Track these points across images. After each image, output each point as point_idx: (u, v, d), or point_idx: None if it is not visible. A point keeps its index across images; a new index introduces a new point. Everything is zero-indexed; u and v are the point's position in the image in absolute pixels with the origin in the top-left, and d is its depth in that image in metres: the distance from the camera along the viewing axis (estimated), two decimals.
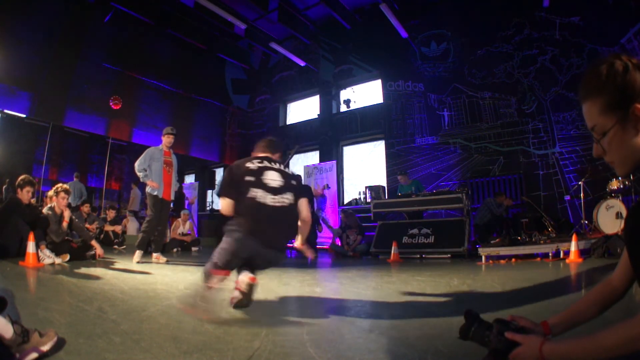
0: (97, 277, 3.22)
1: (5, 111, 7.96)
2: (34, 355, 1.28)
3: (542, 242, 4.89)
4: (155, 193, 4.89)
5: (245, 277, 2.12)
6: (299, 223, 2.41)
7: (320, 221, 8.27)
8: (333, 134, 9.97)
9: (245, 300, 2.09)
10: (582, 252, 4.21)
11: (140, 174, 4.91)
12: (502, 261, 4.56)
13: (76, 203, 8.08)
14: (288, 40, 10.39)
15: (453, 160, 8.12)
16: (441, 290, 2.73)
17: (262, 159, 2.40)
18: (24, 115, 7.93)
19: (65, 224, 4.48)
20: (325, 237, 8.24)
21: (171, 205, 5.51)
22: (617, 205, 4.87)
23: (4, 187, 8.33)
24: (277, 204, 2.23)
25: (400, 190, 7.19)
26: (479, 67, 8.01)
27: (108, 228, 7.30)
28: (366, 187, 8.39)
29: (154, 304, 2.21)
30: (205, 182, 11.57)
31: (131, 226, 8.20)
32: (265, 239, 2.16)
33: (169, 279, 3.27)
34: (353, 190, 9.47)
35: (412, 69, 8.89)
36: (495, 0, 7.84)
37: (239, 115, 11.92)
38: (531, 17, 7.47)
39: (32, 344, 1.29)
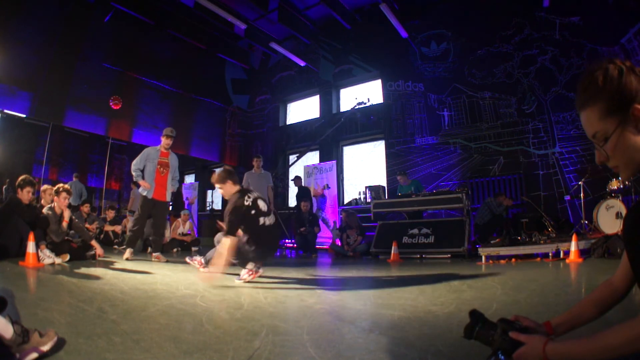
0: (97, 277, 3.22)
1: (5, 111, 7.97)
2: (34, 355, 1.28)
3: (542, 242, 4.88)
4: (145, 193, 4.93)
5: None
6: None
7: (320, 221, 8.27)
8: (333, 134, 9.96)
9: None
10: (582, 252, 4.21)
11: (134, 174, 4.97)
12: (502, 261, 4.56)
13: (76, 203, 8.08)
14: (288, 40, 10.39)
15: (453, 160, 8.12)
16: (441, 290, 2.73)
17: (245, 192, 3.29)
18: (24, 115, 7.94)
19: (65, 224, 4.49)
20: (325, 237, 8.24)
21: (168, 206, 5.52)
22: (617, 205, 4.87)
23: (4, 187, 8.34)
24: (273, 221, 3.33)
25: (400, 191, 7.19)
26: (479, 67, 8.01)
27: (108, 228, 7.31)
28: (366, 187, 8.39)
29: (154, 304, 2.21)
30: (205, 182, 11.57)
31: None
32: (275, 246, 3.63)
33: (169, 279, 3.27)
34: (353, 190, 9.47)
35: (412, 69, 8.90)
36: (495, 0, 7.84)
37: (239, 115, 11.93)
38: (531, 17, 7.47)
39: (32, 344, 1.29)
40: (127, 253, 4.89)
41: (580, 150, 6.79)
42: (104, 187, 11.14)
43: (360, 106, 8.27)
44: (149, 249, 5.69)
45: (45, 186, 5.30)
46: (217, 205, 11.98)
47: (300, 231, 6.97)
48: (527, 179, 7.18)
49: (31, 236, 3.82)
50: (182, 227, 7.57)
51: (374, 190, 7.28)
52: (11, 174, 8.31)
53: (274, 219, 3.37)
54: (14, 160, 9.55)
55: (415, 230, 6.05)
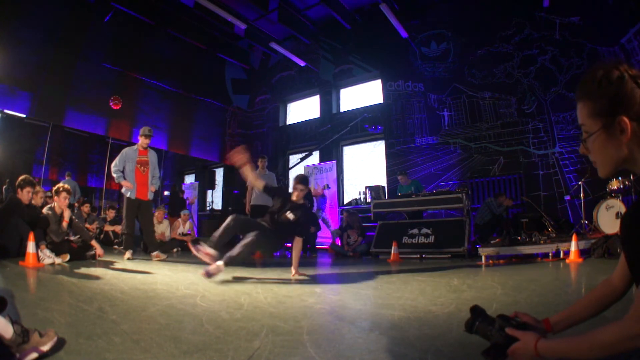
0: (97, 277, 3.23)
1: (5, 111, 7.97)
2: (34, 355, 1.28)
3: (542, 242, 4.88)
4: (128, 194, 4.96)
5: None
6: None
7: (320, 221, 8.27)
8: (333, 134, 9.97)
9: None
10: (582, 252, 4.21)
11: (115, 175, 4.99)
12: (502, 261, 4.57)
13: (71, 202, 8.08)
14: (288, 40, 10.39)
15: (453, 160, 8.12)
16: (441, 290, 2.73)
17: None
18: (24, 115, 7.94)
19: (65, 224, 4.49)
20: (325, 237, 8.24)
21: (152, 205, 5.56)
22: (617, 205, 4.87)
23: (4, 187, 8.34)
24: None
25: (400, 191, 7.19)
26: (479, 67, 8.01)
27: (108, 228, 7.30)
28: (366, 187, 8.38)
29: (154, 304, 2.21)
30: (205, 182, 11.57)
31: None
32: None
33: (169, 279, 3.27)
34: (353, 190, 9.47)
35: (412, 69, 8.89)
36: (495, 0, 7.84)
37: (239, 115, 11.93)
38: (531, 17, 7.47)
39: (32, 344, 1.29)
40: (127, 254, 4.95)
41: None
42: (104, 187, 11.13)
43: (368, 123, 8.14)
44: (149, 249, 5.69)
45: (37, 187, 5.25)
46: (217, 206, 11.98)
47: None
48: (527, 179, 7.18)
49: (31, 236, 3.82)
50: (182, 227, 7.57)
51: (374, 190, 7.28)
52: (11, 174, 8.30)
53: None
54: (14, 160, 9.54)
55: (415, 230, 6.05)
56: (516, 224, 6.29)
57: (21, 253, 3.96)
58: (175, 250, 6.97)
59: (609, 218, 4.91)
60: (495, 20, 7.83)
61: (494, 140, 7.72)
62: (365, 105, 9.70)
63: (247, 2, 8.40)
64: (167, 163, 12.72)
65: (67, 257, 4.26)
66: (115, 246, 7.05)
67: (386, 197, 7.61)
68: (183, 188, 12.34)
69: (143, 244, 6.38)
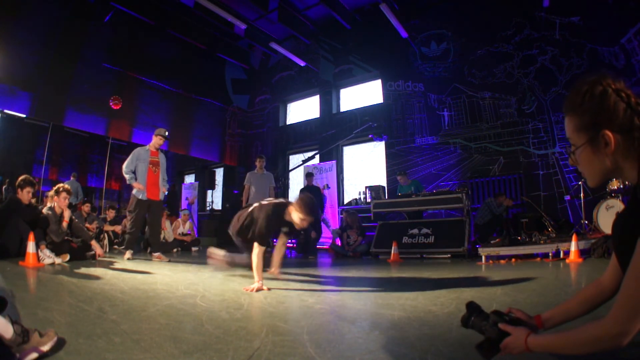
0: (97, 277, 3.23)
1: (5, 111, 7.96)
2: (34, 355, 1.28)
3: (542, 242, 4.89)
4: (140, 196, 4.92)
5: None
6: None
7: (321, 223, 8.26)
8: (333, 133, 9.97)
9: None
10: (582, 252, 4.21)
11: (127, 176, 4.93)
12: (502, 261, 4.56)
13: (74, 202, 8.08)
14: (288, 40, 10.39)
15: (453, 160, 8.12)
16: (441, 290, 2.73)
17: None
18: (24, 115, 7.93)
19: (65, 224, 4.49)
20: (325, 237, 8.24)
21: (163, 205, 5.52)
22: (617, 205, 4.88)
23: (3, 187, 8.34)
24: None
25: (399, 191, 7.19)
26: (479, 67, 8.01)
27: (108, 228, 7.30)
28: (366, 187, 8.38)
29: (154, 304, 2.21)
30: (205, 182, 11.57)
31: None
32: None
33: (169, 279, 3.27)
34: (353, 190, 9.47)
35: (412, 69, 8.89)
36: (495, 0, 7.84)
37: (239, 115, 11.93)
38: (531, 17, 7.47)
39: (32, 344, 1.29)
40: (128, 254, 4.93)
41: None
42: (104, 187, 11.13)
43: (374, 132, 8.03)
44: (149, 249, 5.70)
45: (50, 192, 5.24)
46: (217, 206, 11.98)
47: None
48: (527, 179, 7.18)
49: (31, 236, 3.82)
50: (182, 227, 7.58)
51: (374, 190, 7.28)
52: (11, 174, 8.31)
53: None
54: (14, 160, 9.54)
55: (415, 230, 6.05)
56: (516, 224, 6.29)
57: (21, 253, 3.96)
58: (175, 250, 6.98)
59: (609, 218, 4.92)
60: (495, 20, 7.83)
61: (494, 140, 7.72)
62: (365, 105, 9.70)
63: (247, 2, 8.40)
64: (167, 163, 12.59)
65: (67, 257, 4.26)
66: (116, 246, 7.06)
67: (386, 197, 7.61)
68: (183, 188, 12.35)
69: (143, 243, 6.38)
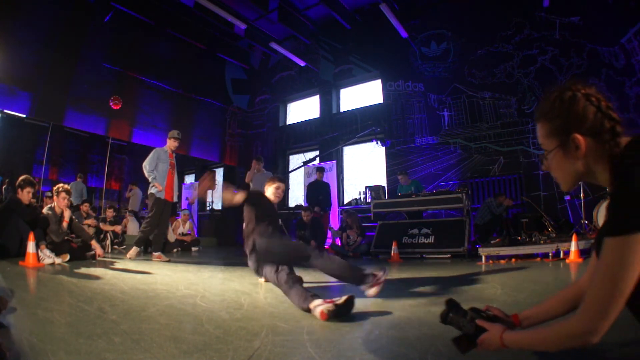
0: (97, 277, 3.23)
1: (5, 111, 7.96)
2: None
3: (542, 242, 4.89)
4: (158, 195, 4.96)
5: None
6: None
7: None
8: (333, 133, 9.97)
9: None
10: (582, 252, 4.21)
11: (149, 176, 4.97)
12: (502, 261, 4.56)
13: (77, 203, 8.09)
14: (288, 40, 10.39)
15: (453, 160, 8.12)
16: (441, 290, 2.73)
17: None
18: (24, 115, 7.93)
19: (65, 224, 4.49)
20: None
21: (171, 207, 5.55)
22: None
23: (3, 187, 8.34)
24: None
25: (400, 190, 7.19)
26: (479, 67, 8.01)
27: (107, 228, 7.28)
28: (366, 187, 8.38)
29: (154, 304, 2.21)
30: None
31: (131, 226, 8.20)
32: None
33: (169, 279, 3.27)
34: (353, 190, 9.47)
35: (412, 69, 8.90)
36: (495, 0, 7.84)
37: (239, 115, 11.93)
38: (531, 17, 7.47)
39: None
40: (133, 252, 4.91)
41: None
42: (104, 187, 11.13)
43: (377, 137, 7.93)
44: (149, 249, 5.70)
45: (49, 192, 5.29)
46: (217, 205, 11.98)
47: (301, 234, 6.83)
48: (527, 179, 7.18)
49: (31, 236, 3.82)
50: (182, 227, 7.58)
51: (374, 190, 7.28)
52: (11, 174, 8.30)
53: None
54: (14, 160, 9.54)
55: (415, 230, 6.06)
56: (516, 224, 6.29)
57: (21, 253, 3.96)
58: (175, 250, 6.97)
59: None
60: (495, 20, 7.83)
61: (494, 140, 7.72)
62: (365, 105, 9.70)
63: (247, 2, 8.40)
64: None
65: (67, 257, 4.26)
66: (116, 246, 7.06)
67: (386, 197, 7.61)
68: (183, 188, 12.33)
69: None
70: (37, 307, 2.02)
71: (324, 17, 9.77)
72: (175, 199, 5.31)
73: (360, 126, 9.55)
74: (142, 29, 9.16)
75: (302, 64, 10.35)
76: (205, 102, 11.14)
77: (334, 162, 9.41)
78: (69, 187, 4.72)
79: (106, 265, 4.20)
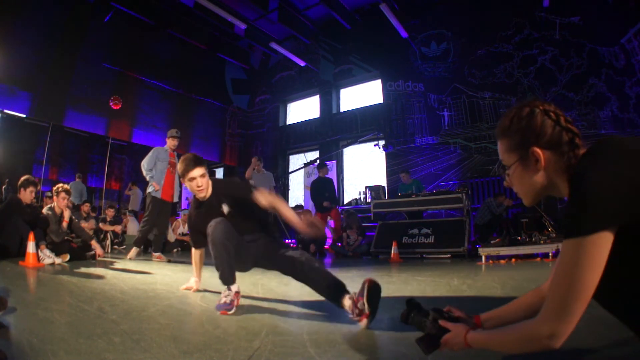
0: (97, 277, 3.23)
1: (5, 111, 7.96)
2: None
3: (542, 242, 4.88)
4: (155, 194, 4.93)
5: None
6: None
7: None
8: (333, 134, 9.97)
9: None
10: None
11: (148, 174, 4.93)
12: (502, 261, 4.56)
13: (77, 203, 8.09)
14: (288, 40, 10.39)
15: (453, 160, 8.12)
16: (441, 290, 2.73)
17: None
18: (24, 115, 7.94)
19: (65, 224, 4.49)
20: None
21: (171, 207, 5.52)
22: None
23: (3, 187, 8.34)
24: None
25: (401, 189, 7.19)
26: (479, 67, 8.01)
27: (107, 228, 7.28)
28: (366, 187, 8.38)
29: (154, 304, 2.20)
30: None
31: (131, 226, 8.19)
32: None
33: (169, 279, 3.27)
34: (353, 190, 9.47)
35: (412, 69, 8.90)
36: (495, 0, 7.85)
37: (239, 115, 11.93)
38: (531, 17, 7.47)
39: None
40: (133, 252, 4.90)
41: None
42: (104, 187, 11.13)
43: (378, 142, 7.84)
44: (149, 249, 5.70)
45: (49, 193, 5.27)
46: None
47: (300, 237, 6.77)
48: None
49: (31, 236, 3.82)
50: (182, 227, 7.57)
51: (374, 190, 7.27)
52: (11, 174, 8.30)
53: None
54: (14, 160, 9.54)
55: (415, 230, 6.05)
56: (516, 224, 6.28)
57: (21, 253, 3.96)
58: (175, 250, 6.97)
59: None
60: (495, 20, 7.84)
61: (494, 140, 7.69)
62: (365, 105, 9.70)
63: (247, 2, 8.41)
64: None
65: (67, 257, 4.26)
66: (115, 246, 7.06)
67: (386, 197, 7.61)
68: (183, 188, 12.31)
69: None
70: (37, 307, 2.02)
71: (324, 17, 9.78)
72: (175, 199, 5.23)
73: (360, 126, 9.56)
74: (142, 29, 9.16)
75: (302, 64, 10.35)
76: (205, 102, 11.14)
77: (334, 162, 9.42)
78: (68, 187, 4.71)
79: (106, 265, 4.20)
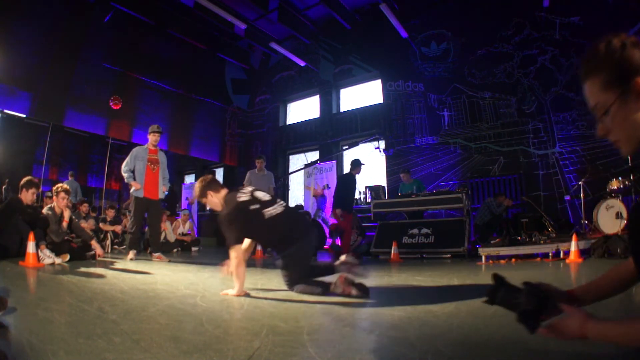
0: (97, 277, 3.23)
1: (5, 111, 7.96)
2: None
3: (542, 242, 4.89)
4: (137, 194, 4.92)
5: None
6: None
7: (320, 221, 8.27)
8: (333, 134, 9.98)
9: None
10: (582, 252, 4.21)
11: (125, 175, 4.93)
12: (502, 261, 4.56)
13: (73, 202, 8.09)
14: (288, 40, 10.39)
15: (453, 160, 8.12)
16: (441, 290, 2.73)
17: (235, 190, 2.78)
18: (24, 115, 7.94)
19: (65, 224, 4.49)
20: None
21: (161, 204, 5.50)
22: (617, 205, 4.87)
23: (3, 187, 8.34)
24: (282, 209, 2.69)
25: (401, 189, 7.20)
26: (479, 67, 8.01)
27: (107, 228, 7.29)
28: (366, 187, 8.39)
29: (154, 304, 2.21)
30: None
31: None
32: (307, 232, 2.77)
33: (169, 279, 3.27)
34: None
35: (412, 69, 8.89)
36: (495, 0, 7.84)
37: (239, 115, 11.93)
38: (531, 17, 7.47)
39: None
40: (131, 254, 4.93)
41: (580, 150, 6.78)
42: (104, 187, 11.13)
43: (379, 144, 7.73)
44: (149, 249, 5.70)
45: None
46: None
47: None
48: (527, 179, 7.18)
49: (31, 236, 3.82)
50: (182, 227, 7.58)
51: (374, 190, 7.28)
52: (11, 174, 8.31)
53: (283, 205, 2.72)
54: (14, 160, 9.55)
55: (415, 230, 6.05)
56: (516, 224, 6.28)
57: (21, 253, 3.97)
58: (175, 250, 6.98)
59: (609, 218, 4.90)
60: (495, 20, 7.83)
61: (494, 140, 7.72)
62: (365, 105, 9.70)
63: (247, 2, 8.41)
64: (167, 163, 12.67)
65: (67, 257, 4.26)
66: (116, 246, 7.06)
67: (386, 197, 7.61)
68: (183, 188, 12.33)
69: (143, 244, 6.38)
70: (37, 307, 2.02)
71: (324, 17, 9.77)
72: (160, 196, 5.13)
73: (360, 126, 9.56)
74: (142, 29, 9.16)
75: (302, 64, 10.35)
76: (205, 102, 11.14)
77: (334, 162, 9.41)
78: (68, 187, 4.72)
79: (106, 265, 4.20)
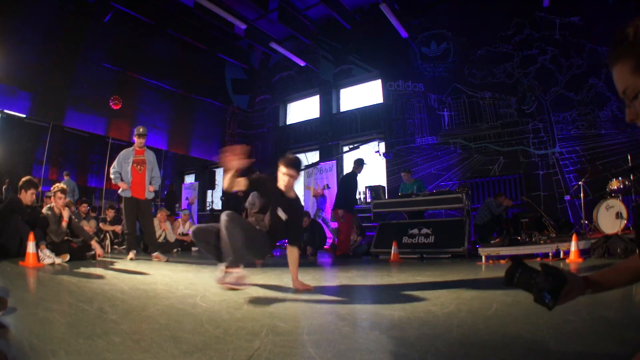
0: (97, 277, 3.23)
1: (5, 111, 7.96)
2: None
3: (542, 242, 4.88)
4: (124, 194, 5.01)
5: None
6: None
7: (320, 221, 8.26)
8: (333, 134, 9.98)
9: None
10: (582, 252, 4.21)
11: (112, 177, 5.07)
12: (502, 261, 4.56)
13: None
14: (288, 40, 10.39)
15: (453, 160, 8.12)
16: (441, 290, 2.73)
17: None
18: (24, 115, 7.94)
19: (64, 224, 4.49)
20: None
21: (151, 204, 5.55)
22: (617, 205, 4.86)
23: (3, 187, 8.34)
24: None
25: (402, 189, 7.20)
26: (479, 67, 8.01)
27: (107, 228, 7.29)
28: (366, 187, 8.39)
29: (154, 304, 2.20)
30: (205, 182, 11.57)
31: None
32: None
33: (169, 279, 3.27)
34: None
35: (412, 69, 8.90)
36: (495, 0, 7.85)
37: (239, 115, 11.93)
38: (531, 17, 7.48)
39: None
40: (131, 254, 4.98)
41: (580, 150, 6.78)
42: (104, 187, 11.13)
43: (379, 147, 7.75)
44: (149, 249, 5.70)
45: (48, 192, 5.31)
46: (217, 206, 11.97)
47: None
48: (527, 179, 7.18)
49: (31, 236, 3.82)
50: (182, 227, 7.57)
51: (374, 190, 7.28)
52: (11, 174, 8.31)
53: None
54: (14, 160, 9.55)
55: (415, 230, 6.05)
56: (516, 224, 6.29)
57: (21, 253, 3.96)
58: (175, 250, 6.97)
59: (609, 218, 4.90)
60: (495, 20, 7.84)
61: (494, 140, 7.72)
62: (365, 105, 9.70)
63: (247, 2, 8.41)
64: (167, 163, 12.71)
65: (67, 257, 4.26)
66: (116, 246, 7.06)
67: (386, 197, 7.61)
68: (183, 188, 12.32)
69: (143, 244, 6.38)
70: (37, 307, 2.02)
71: (324, 17, 9.78)
72: (147, 196, 5.16)
73: (360, 126, 9.56)
74: (142, 29, 9.16)
75: (302, 64, 10.36)
76: (205, 102, 11.14)
77: (334, 162, 9.41)
78: (64, 186, 4.73)
79: (106, 265, 4.20)
